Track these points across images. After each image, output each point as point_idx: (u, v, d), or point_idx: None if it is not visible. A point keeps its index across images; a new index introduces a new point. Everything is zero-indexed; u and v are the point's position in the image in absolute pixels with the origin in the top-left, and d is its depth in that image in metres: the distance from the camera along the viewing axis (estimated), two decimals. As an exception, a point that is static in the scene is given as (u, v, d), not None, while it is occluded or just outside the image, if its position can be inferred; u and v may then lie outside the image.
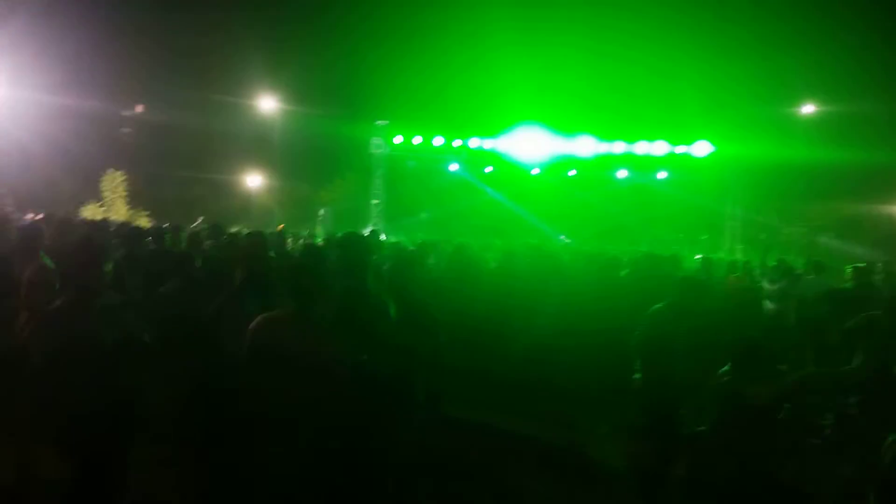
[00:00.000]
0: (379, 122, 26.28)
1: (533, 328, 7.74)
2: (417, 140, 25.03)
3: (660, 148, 23.20)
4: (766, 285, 8.96)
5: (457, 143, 24.91)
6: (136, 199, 32.94)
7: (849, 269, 11.57)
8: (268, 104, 31.55)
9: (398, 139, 25.56)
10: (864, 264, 11.43)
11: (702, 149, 22.94)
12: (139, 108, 43.50)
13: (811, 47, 41.90)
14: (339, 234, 8.71)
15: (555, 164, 24.95)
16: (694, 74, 34.47)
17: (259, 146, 35.43)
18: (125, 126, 43.35)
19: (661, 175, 25.67)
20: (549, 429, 6.45)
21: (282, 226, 23.72)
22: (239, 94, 34.34)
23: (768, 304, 8.57)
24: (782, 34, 43.90)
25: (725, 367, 4.87)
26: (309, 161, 37.40)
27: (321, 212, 26.94)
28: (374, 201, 26.73)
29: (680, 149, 23.19)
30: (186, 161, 36.97)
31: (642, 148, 23.33)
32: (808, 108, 27.96)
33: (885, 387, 4.59)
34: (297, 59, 40.55)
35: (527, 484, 5.30)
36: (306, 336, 3.32)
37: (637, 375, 5.23)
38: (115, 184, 32.18)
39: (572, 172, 25.90)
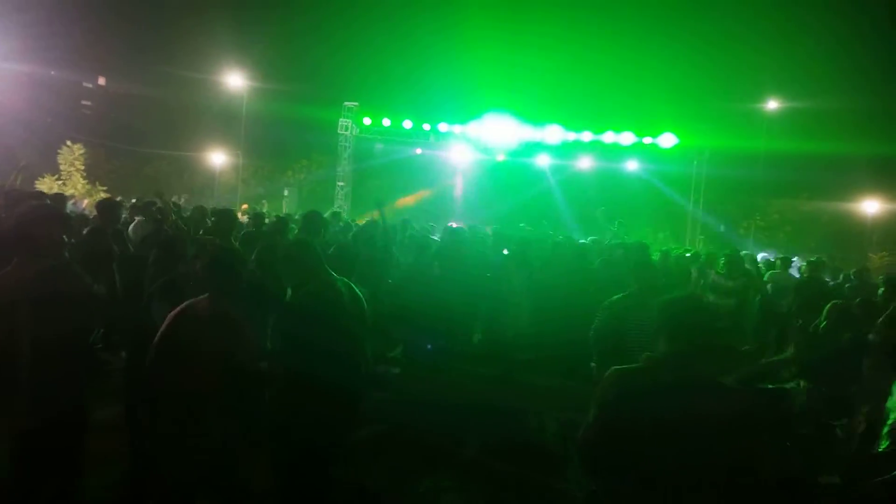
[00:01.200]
0: (348, 103, 26.01)
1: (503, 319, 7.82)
2: (386, 123, 24.85)
3: (627, 138, 23.41)
4: (723, 281, 9.12)
5: (426, 126, 24.82)
6: (93, 173, 32.17)
7: (804, 265, 11.95)
8: (235, 80, 30.94)
9: (367, 121, 25.35)
10: (818, 259, 11.81)
11: (667, 140, 23.22)
12: (101, 81, 42.40)
13: (775, 45, 42.66)
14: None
15: (522, 151, 25.03)
16: (661, 68, 34.89)
17: (224, 123, 34.81)
18: (86, 98, 42.24)
19: (630, 166, 25.93)
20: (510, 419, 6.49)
21: (245, 205, 23.45)
22: (205, 70, 33.67)
23: (725, 300, 8.72)
24: (747, 32, 44.60)
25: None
26: (275, 140, 36.93)
27: (285, 192, 26.67)
28: (340, 183, 26.50)
29: (646, 140, 23.43)
30: (148, 136, 36.21)
31: (610, 138, 23.51)
32: (771, 105, 28.46)
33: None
34: (266, 36, 39.94)
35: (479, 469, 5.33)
36: (223, 327, 3.40)
37: (593, 364, 5.28)
38: (73, 157, 31.36)
39: (542, 161, 26.01)
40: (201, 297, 3.51)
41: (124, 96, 38.28)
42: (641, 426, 2.42)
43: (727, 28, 44.58)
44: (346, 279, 4.15)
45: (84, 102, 41.57)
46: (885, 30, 41.47)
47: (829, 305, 5.43)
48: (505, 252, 9.24)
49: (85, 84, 39.60)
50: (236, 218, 7.21)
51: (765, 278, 9.64)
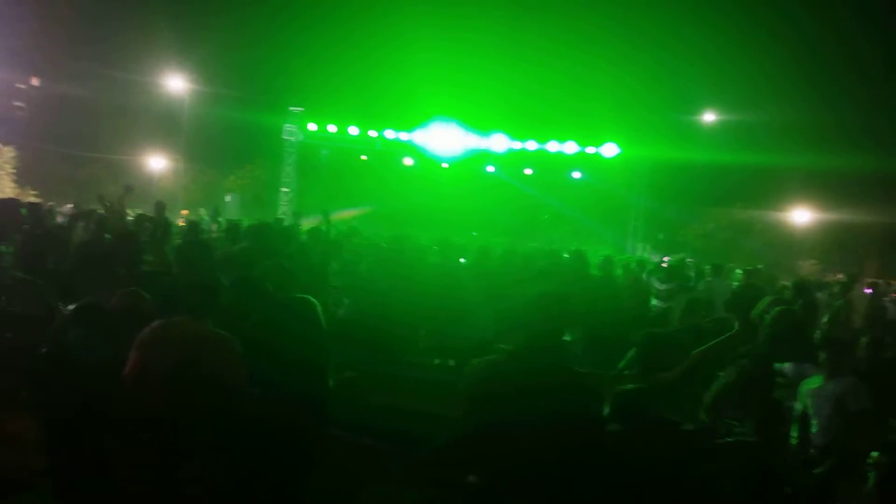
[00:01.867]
0: (293, 108, 25.71)
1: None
2: (332, 129, 24.65)
3: (570, 147, 23.83)
4: (656, 285, 9.41)
5: (372, 133, 24.71)
6: (24, 176, 30.91)
7: (739, 272, 12.40)
8: (175, 83, 30.19)
9: (312, 127, 25.09)
10: (754, 267, 12.27)
11: (609, 150, 23.73)
12: (34, 81, 40.76)
13: (712, 61, 44.12)
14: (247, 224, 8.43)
15: (469, 159, 25.18)
16: (604, 79, 35.68)
17: (164, 126, 33.92)
18: (18, 99, 40.54)
19: (574, 175, 26.35)
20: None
21: (186, 211, 22.89)
22: (144, 72, 32.73)
23: (655, 302, 9.01)
24: (685, 47, 46.03)
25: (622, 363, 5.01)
26: (217, 145, 36.18)
27: (227, 198, 26.16)
28: (284, 189, 26.14)
29: (589, 150, 23.89)
30: (83, 138, 34.98)
31: (554, 147, 23.89)
32: (707, 117, 29.43)
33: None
34: (209, 38, 39.13)
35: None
36: (197, 345, 3.21)
37: None
38: (2, 160, 30.10)
39: (490, 169, 26.20)
40: (177, 318, 3.28)
41: (58, 97, 36.90)
42: (496, 414, 2.61)
43: (667, 42, 45.98)
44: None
45: (16, 103, 39.91)
46: (814, 47, 43.44)
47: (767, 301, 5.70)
48: (462, 261, 9.25)
49: (17, 85, 38.01)
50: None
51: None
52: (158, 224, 5.86)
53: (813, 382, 4.99)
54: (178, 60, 31.79)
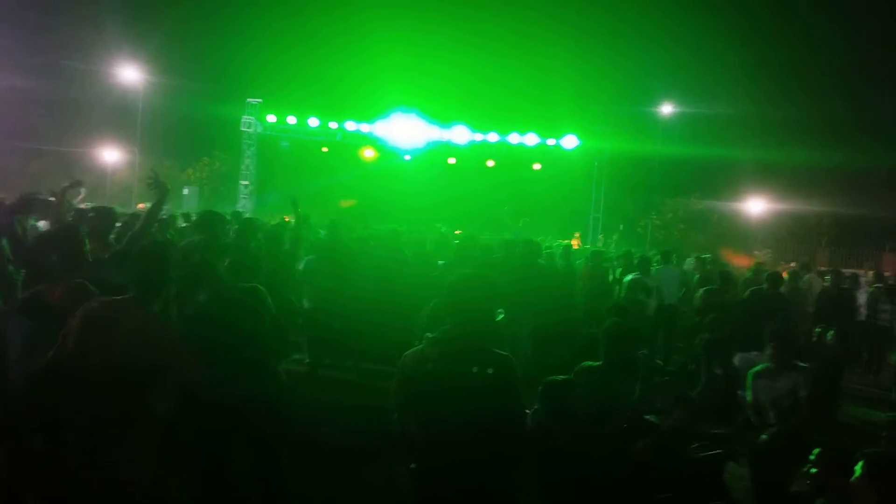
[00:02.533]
0: (251, 99, 25.34)
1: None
2: (292, 120, 24.37)
3: (531, 139, 24.01)
4: (616, 275, 9.60)
5: (333, 125, 24.53)
6: (-30, 170, 29.89)
7: (691, 260, 12.67)
8: (129, 74, 29.46)
9: (271, 118, 24.77)
10: (707, 256, 12.55)
11: (570, 142, 23.98)
12: (-22, 71, 39.34)
13: (670, 53, 44.82)
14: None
15: (431, 151, 25.17)
16: (564, 71, 35.98)
17: (119, 119, 33.09)
18: (-39, 89, 39.10)
19: (534, 166, 26.51)
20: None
21: (142, 205, 22.43)
22: (97, 62, 31.86)
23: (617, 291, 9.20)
24: (645, 40, 46.66)
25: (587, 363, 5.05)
26: (173, 137, 35.46)
27: (185, 191, 25.72)
28: (244, 182, 25.79)
29: (550, 141, 24.10)
30: (34, 131, 33.95)
31: (515, 139, 24.03)
32: (665, 109, 29.90)
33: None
34: (165, 28, 38.36)
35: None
36: (140, 318, 3.03)
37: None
38: (-54, 153, 29.07)
39: (451, 161, 26.19)
40: (117, 298, 3.04)
41: (8, 89, 35.69)
42: (420, 393, 2.67)
43: (627, 35, 46.59)
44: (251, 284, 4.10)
45: (-40, 94, 38.48)
46: (769, 43, 44.48)
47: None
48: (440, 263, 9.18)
49: (-39, 75, 36.66)
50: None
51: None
52: (101, 215, 5.69)
53: (758, 368, 5.18)
54: (132, 50, 31.06)
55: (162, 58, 33.22)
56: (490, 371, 2.64)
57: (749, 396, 5.13)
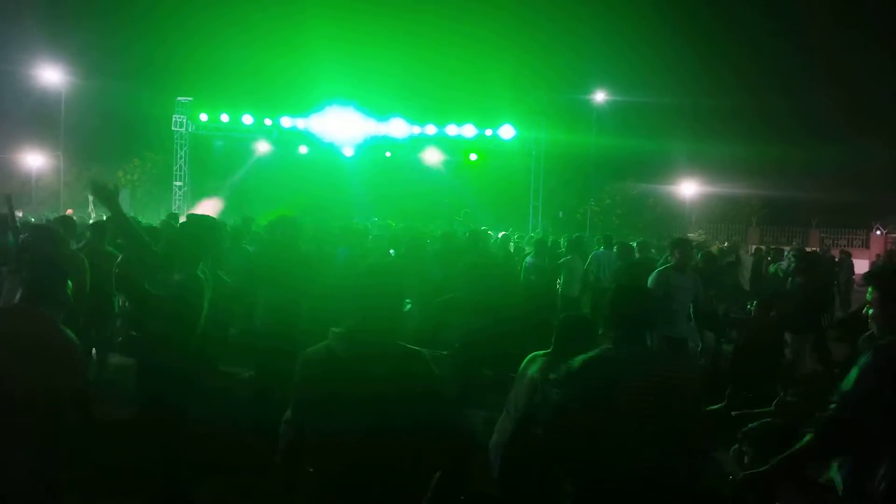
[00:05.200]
0: (181, 98, 24.60)
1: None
2: (225, 118, 23.76)
3: (468, 131, 24.05)
4: (529, 259, 9.92)
5: (268, 122, 24.03)
6: None
7: (634, 244, 13.01)
8: (49, 74, 28.20)
9: (203, 117, 24.09)
10: (642, 239, 12.90)
11: (507, 132, 24.12)
12: None
13: (604, 43, 45.58)
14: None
15: (370, 146, 24.94)
16: (499, 59, 36.19)
17: (40, 121, 31.69)
18: None
19: (473, 157, 26.57)
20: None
21: (70, 211, 21.56)
22: (12, 61, 30.40)
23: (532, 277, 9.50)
24: (579, 30, 47.32)
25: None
26: (101, 138, 34.21)
27: (116, 194, 24.81)
28: (178, 183, 25.06)
29: (487, 132, 24.19)
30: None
31: (452, 130, 24.02)
32: (599, 97, 30.42)
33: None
34: (85, 25, 36.87)
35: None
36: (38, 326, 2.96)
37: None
38: None
39: (389, 155, 26.02)
40: (15, 305, 3.00)
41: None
42: (322, 394, 2.45)
43: (561, 25, 47.18)
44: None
45: None
46: (700, 34, 45.72)
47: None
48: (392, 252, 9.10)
49: None
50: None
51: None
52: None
53: None
54: (51, 48, 29.79)
55: (84, 55, 32.02)
56: (401, 370, 2.47)
57: None
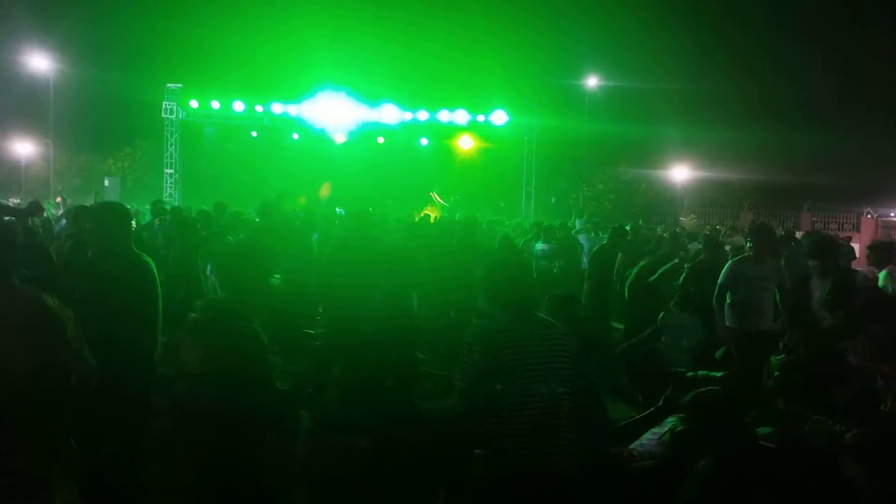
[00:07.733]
0: (171, 84, 24.41)
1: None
2: (215, 105, 23.62)
3: (461, 116, 23.99)
4: (539, 245, 10.00)
5: (259, 108, 23.90)
6: None
7: (628, 227, 13.09)
8: (38, 61, 27.94)
9: (194, 104, 23.93)
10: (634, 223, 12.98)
11: (499, 118, 24.07)
12: None
13: (596, 28, 45.44)
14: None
15: (362, 132, 24.84)
16: (491, 44, 36.03)
17: (29, 109, 31.42)
18: None
19: (465, 143, 26.45)
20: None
21: (59, 198, 21.45)
22: (1, 49, 30.12)
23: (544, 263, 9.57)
24: (571, 15, 47.12)
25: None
26: (92, 126, 33.97)
27: (106, 182, 24.73)
28: (168, 171, 24.93)
29: (480, 118, 24.14)
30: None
31: (444, 116, 23.96)
32: (591, 81, 30.36)
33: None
34: (72, 8, 36.49)
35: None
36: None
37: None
38: None
39: (381, 141, 25.89)
40: None
41: None
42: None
43: (553, 10, 46.97)
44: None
45: None
46: (692, 19, 45.61)
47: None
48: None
49: None
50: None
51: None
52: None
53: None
54: (40, 35, 29.48)
55: (73, 42, 31.73)
56: (242, 348, 2.42)
57: None
